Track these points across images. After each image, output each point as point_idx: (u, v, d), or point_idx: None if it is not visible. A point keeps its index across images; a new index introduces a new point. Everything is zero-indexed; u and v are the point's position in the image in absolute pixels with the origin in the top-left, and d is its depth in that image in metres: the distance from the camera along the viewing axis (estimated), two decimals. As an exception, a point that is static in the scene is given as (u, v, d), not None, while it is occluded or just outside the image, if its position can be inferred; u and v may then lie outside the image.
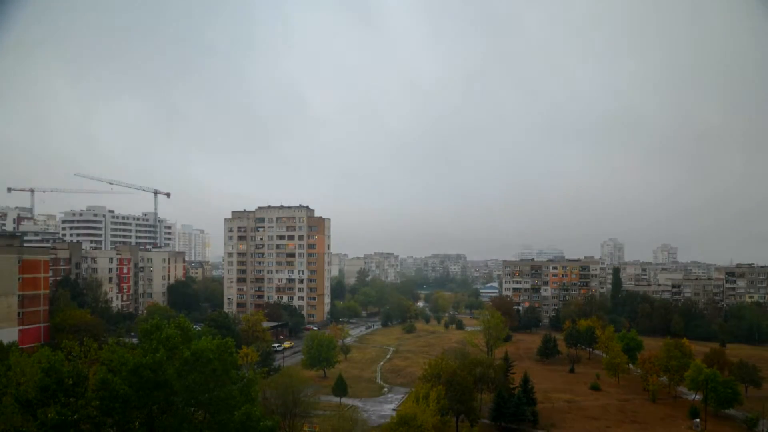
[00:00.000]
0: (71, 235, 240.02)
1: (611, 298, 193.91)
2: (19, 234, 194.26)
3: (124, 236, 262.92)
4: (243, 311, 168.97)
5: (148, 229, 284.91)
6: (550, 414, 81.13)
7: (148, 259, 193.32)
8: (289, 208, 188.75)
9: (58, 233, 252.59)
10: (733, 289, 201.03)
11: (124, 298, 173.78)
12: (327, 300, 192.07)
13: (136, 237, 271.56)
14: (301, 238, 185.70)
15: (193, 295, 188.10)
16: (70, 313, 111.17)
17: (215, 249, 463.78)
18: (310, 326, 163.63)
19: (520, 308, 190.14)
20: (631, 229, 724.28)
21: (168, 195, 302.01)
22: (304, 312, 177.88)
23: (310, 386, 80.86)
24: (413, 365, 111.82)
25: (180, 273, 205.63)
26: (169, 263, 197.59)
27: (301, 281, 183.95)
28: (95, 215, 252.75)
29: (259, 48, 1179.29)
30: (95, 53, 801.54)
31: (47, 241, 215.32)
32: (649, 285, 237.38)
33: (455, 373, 73.74)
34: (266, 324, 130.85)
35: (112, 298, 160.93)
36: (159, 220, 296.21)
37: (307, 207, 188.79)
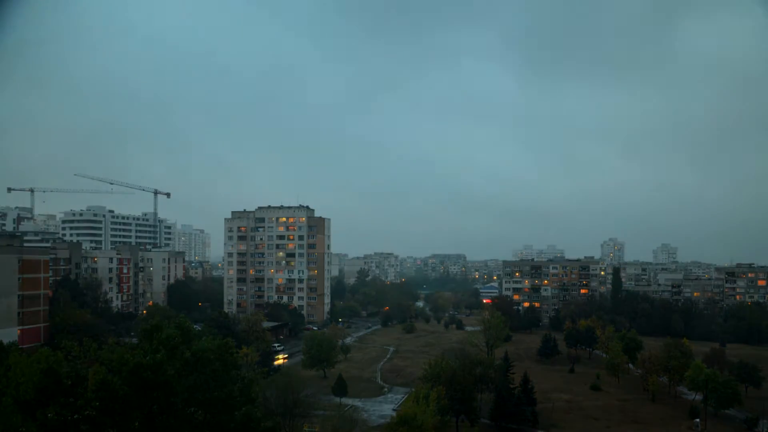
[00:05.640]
0: (71, 235, 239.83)
1: (611, 298, 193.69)
2: (19, 234, 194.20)
3: (124, 236, 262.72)
4: (243, 311, 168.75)
5: (148, 229, 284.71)
6: (550, 414, 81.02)
7: (148, 259, 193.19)
8: (289, 208, 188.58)
9: (58, 233, 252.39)
10: (733, 289, 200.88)
11: (124, 298, 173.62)
12: (327, 300, 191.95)
13: (136, 237, 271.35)
14: (301, 238, 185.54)
15: (193, 296, 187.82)
16: (70, 313, 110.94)
17: (215, 249, 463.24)
18: (310, 326, 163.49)
19: (520, 308, 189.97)
20: (631, 229, 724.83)
21: (168, 195, 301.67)
22: (304, 312, 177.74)
23: (310, 386, 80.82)
24: (413, 365, 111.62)
25: (180, 273, 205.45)
26: (169, 263, 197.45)
27: (301, 281, 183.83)
28: (95, 215, 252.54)
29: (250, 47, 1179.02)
30: (95, 53, 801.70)
31: (47, 241, 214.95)
32: (649, 285, 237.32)
33: (455, 373, 73.63)
34: (266, 324, 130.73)
35: (112, 298, 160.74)
36: (159, 220, 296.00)
37: (307, 207, 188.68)
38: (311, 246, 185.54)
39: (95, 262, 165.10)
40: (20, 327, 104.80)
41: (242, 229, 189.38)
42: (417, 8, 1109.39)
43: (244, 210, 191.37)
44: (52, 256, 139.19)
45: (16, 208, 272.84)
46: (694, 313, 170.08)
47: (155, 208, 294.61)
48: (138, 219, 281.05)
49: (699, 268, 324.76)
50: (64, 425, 35.53)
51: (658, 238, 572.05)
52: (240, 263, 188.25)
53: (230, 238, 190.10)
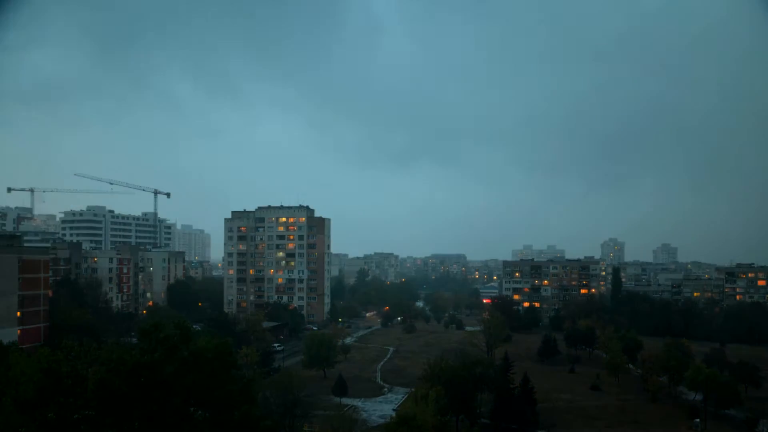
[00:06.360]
0: (71, 235, 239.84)
1: (611, 298, 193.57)
2: (19, 234, 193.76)
3: (124, 236, 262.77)
4: (243, 311, 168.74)
5: (148, 229, 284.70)
6: (551, 414, 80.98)
7: (148, 259, 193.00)
8: (289, 208, 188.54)
9: (58, 233, 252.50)
10: (733, 289, 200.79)
11: (124, 298, 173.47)
12: (327, 300, 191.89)
13: (136, 237, 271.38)
14: (301, 238, 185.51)
15: (193, 295, 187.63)
16: (70, 313, 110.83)
17: (215, 249, 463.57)
18: (310, 326, 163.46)
19: (520, 308, 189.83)
20: (631, 229, 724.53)
21: (168, 195, 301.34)
22: (304, 312, 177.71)
23: (310, 386, 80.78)
24: (413, 365, 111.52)
25: (180, 273, 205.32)
26: (169, 263, 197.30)
27: (301, 281, 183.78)
28: (95, 215, 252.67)
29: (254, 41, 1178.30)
30: (96, 53, 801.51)
31: (47, 241, 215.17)
32: (649, 285, 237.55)
33: (455, 373, 73.61)
34: (266, 324, 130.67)
35: (112, 298, 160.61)
36: (159, 220, 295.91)
37: (307, 207, 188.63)
38: (311, 246, 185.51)
39: (95, 262, 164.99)
40: (20, 327, 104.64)
41: (242, 229, 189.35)
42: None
43: (244, 210, 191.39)
44: (52, 256, 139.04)
45: (16, 208, 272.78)
46: (694, 313, 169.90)
47: (155, 208, 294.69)
48: (138, 219, 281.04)
49: (699, 268, 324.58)
50: (64, 425, 35.50)
51: (658, 238, 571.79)
52: (240, 263, 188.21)
53: (230, 238, 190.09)
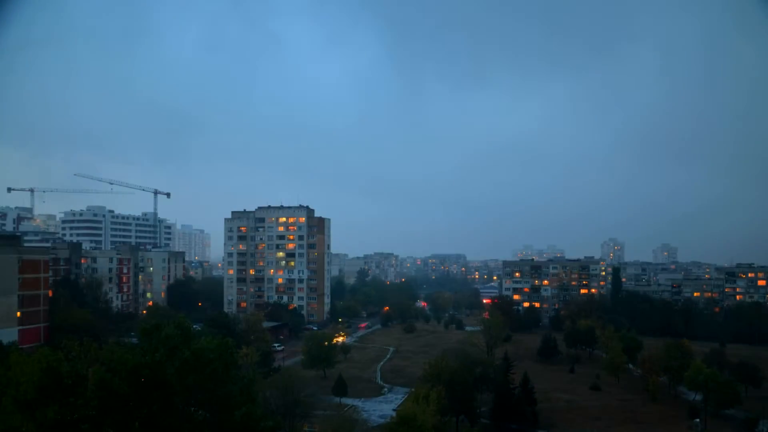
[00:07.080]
0: (71, 235, 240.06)
1: (611, 298, 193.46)
2: (19, 234, 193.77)
3: (124, 236, 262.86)
4: (243, 311, 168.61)
5: (148, 229, 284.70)
6: (550, 414, 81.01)
7: (148, 259, 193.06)
8: (289, 208, 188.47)
9: (58, 233, 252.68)
10: (733, 289, 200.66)
11: (124, 298, 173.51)
12: (327, 300, 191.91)
13: (136, 237, 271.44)
14: (301, 238, 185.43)
15: (193, 295, 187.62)
16: (70, 313, 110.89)
17: (215, 249, 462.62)
18: (310, 326, 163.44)
19: (520, 308, 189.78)
20: (631, 229, 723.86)
21: (168, 195, 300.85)
22: (304, 312, 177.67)
23: (310, 386, 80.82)
24: (413, 365, 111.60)
25: (180, 273, 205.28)
26: (169, 263, 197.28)
27: (301, 281, 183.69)
28: (95, 215, 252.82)
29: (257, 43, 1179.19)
30: (96, 53, 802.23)
31: (47, 241, 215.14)
32: (649, 285, 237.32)
33: (455, 373, 73.66)
34: (266, 324, 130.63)
35: (112, 298, 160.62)
36: (159, 220, 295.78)
37: (307, 207, 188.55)
38: (311, 246, 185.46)
39: (95, 262, 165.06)
40: (20, 327, 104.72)
41: (242, 229, 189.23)
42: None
43: (244, 210, 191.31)
44: (52, 256, 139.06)
45: (16, 208, 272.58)
46: (694, 313, 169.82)
47: (155, 208, 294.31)
48: (138, 219, 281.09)
49: (699, 268, 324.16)
50: (64, 425, 35.49)
51: (658, 238, 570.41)
52: (240, 263, 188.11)
53: (230, 238, 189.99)
